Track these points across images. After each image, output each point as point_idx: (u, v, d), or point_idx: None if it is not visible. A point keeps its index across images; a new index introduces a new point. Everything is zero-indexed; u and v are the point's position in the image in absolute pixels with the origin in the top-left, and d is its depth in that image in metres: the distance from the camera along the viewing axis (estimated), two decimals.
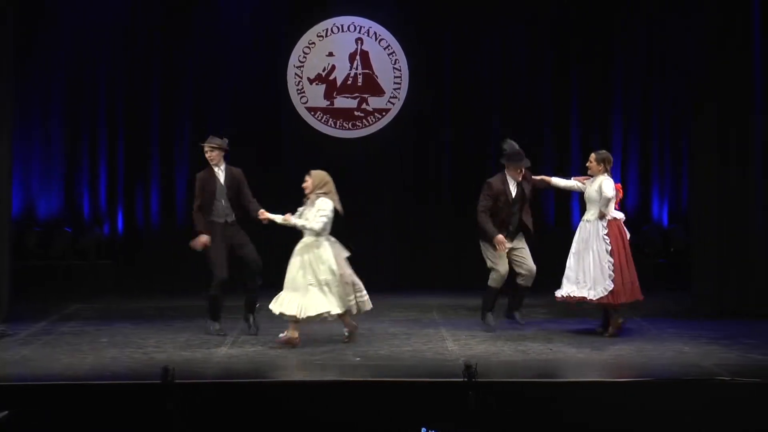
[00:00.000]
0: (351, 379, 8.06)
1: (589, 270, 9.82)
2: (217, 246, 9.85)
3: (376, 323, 10.69)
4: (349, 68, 13.67)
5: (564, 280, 10.02)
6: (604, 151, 10.21)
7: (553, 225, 13.49)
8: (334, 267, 9.35)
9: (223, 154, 10.04)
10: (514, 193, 10.20)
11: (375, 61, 13.68)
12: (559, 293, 10.03)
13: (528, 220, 10.32)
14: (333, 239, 9.55)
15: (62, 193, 13.58)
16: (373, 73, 13.67)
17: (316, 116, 13.66)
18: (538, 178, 10.46)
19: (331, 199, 9.48)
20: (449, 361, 8.78)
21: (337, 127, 13.67)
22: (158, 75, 13.54)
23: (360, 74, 13.67)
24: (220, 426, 7.59)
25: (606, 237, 9.78)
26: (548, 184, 10.50)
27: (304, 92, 13.65)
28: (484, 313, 10.32)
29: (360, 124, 13.68)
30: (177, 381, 7.53)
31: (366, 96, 13.66)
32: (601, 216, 9.84)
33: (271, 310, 9.41)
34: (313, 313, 9.26)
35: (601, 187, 9.83)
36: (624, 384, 8.11)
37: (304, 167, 13.46)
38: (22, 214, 13.39)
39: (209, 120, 13.38)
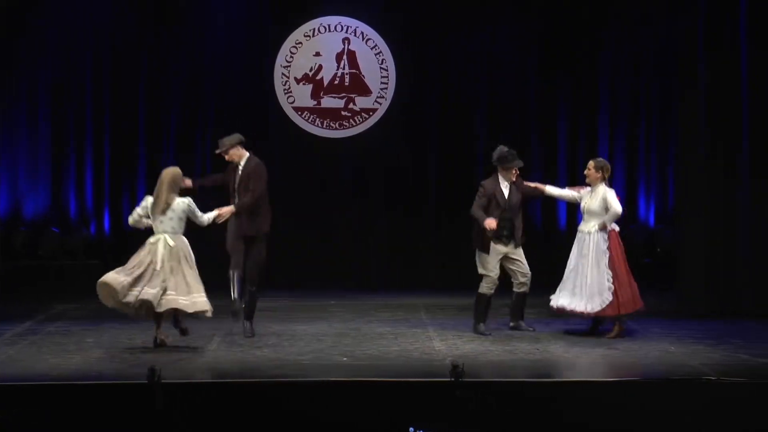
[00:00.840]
0: (338, 379, 8.05)
1: (585, 284, 9.72)
2: (233, 237, 9.74)
3: (364, 323, 10.68)
4: (336, 68, 13.67)
5: (559, 290, 9.94)
6: (602, 159, 10.17)
7: (539, 228, 13.51)
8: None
9: (238, 150, 9.72)
10: (507, 195, 10.05)
11: (362, 61, 13.68)
12: (553, 303, 9.95)
13: (518, 223, 10.17)
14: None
15: (49, 193, 13.55)
16: (360, 73, 13.68)
17: (303, 116, 13.66)
18: (533, 185, 10.29)
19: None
20: (436, 360, 8.78)
21: (324, 126, 13.66)
22: (145, 75, 13.53)
23: (347, 74, 13.67)
24: (207, 426, 7.57)
25: (608, 250, 9.73)
26: (542, 193, 10.32)
27: (291, 92, 13.65)
28: (476, 324, 10.09)
29: (347, 124, 13.68)
30: (164, 381, 7.51)
31: (353, 96, 13.66)
32: (603, 227, 9.80)
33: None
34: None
35: (608, 201, 9.71)
36: (611, 384, 8.12)
37: (291, 167, 13.62)
38: (8, 214, 13.36)
39: (196, 120, 13.38)
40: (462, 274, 11.85)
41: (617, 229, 9.90)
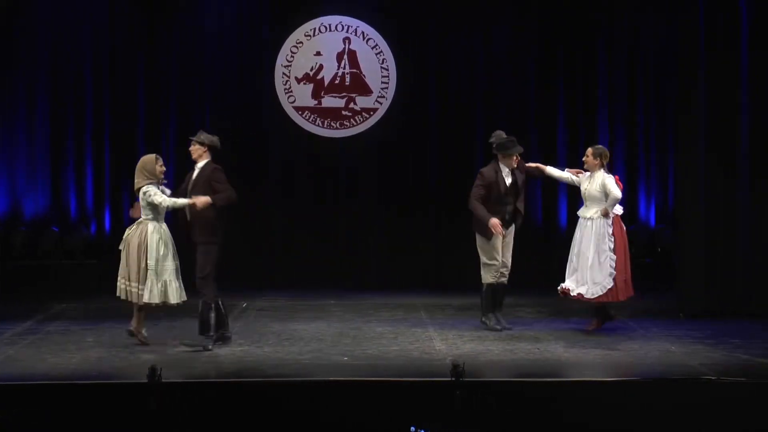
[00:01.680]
0: (338, 378, 8.05)
1: (587, 268, 9.78)
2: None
3: (364, 323, 10.69)
4: (336, 68, 13.67)
5: (566, 274, 10.02)
6: (600, 146, 10.20)
7: (540, 224, 13.52)
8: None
9: (203, 150, 9.46)
10: (508, 182, 10.02)
11: (362, 60, 13.68)
12: (561, 285, 10.01)
13: (521, 207, 10.10)
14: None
15: (48, 192, 13.54)
16: (361, 72, 13.68)
17: (303, 115, 13.65)
18: (533, 165, 10.31)
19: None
20: (437, 360, 8.78)
21: (325, 126, 13.66)
22: (144, 74, 13.53)
23: (347, 74, 13.67)
24: (206, 425, 7.58)
25: (612, 236, 9.76)
26: (542, 173, 10.32)
27: (291, 92, 13.65)
28: (485, 314, 10.10)
29: (348, 124, 13.68)
30: (164, 380, 7.52)
31: (353, 95, 13.66)
32: (605, 214, 9.81)
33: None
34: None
35: (607, 186, 9.76)
36: (611, 384, 8.12)
37: (291, 166, 13.62)
38: (8, 213, 13.35)
39: (196, 119, 13.37)
40: (462, 274, 11.86)
41: (620, 212, 9.92)
